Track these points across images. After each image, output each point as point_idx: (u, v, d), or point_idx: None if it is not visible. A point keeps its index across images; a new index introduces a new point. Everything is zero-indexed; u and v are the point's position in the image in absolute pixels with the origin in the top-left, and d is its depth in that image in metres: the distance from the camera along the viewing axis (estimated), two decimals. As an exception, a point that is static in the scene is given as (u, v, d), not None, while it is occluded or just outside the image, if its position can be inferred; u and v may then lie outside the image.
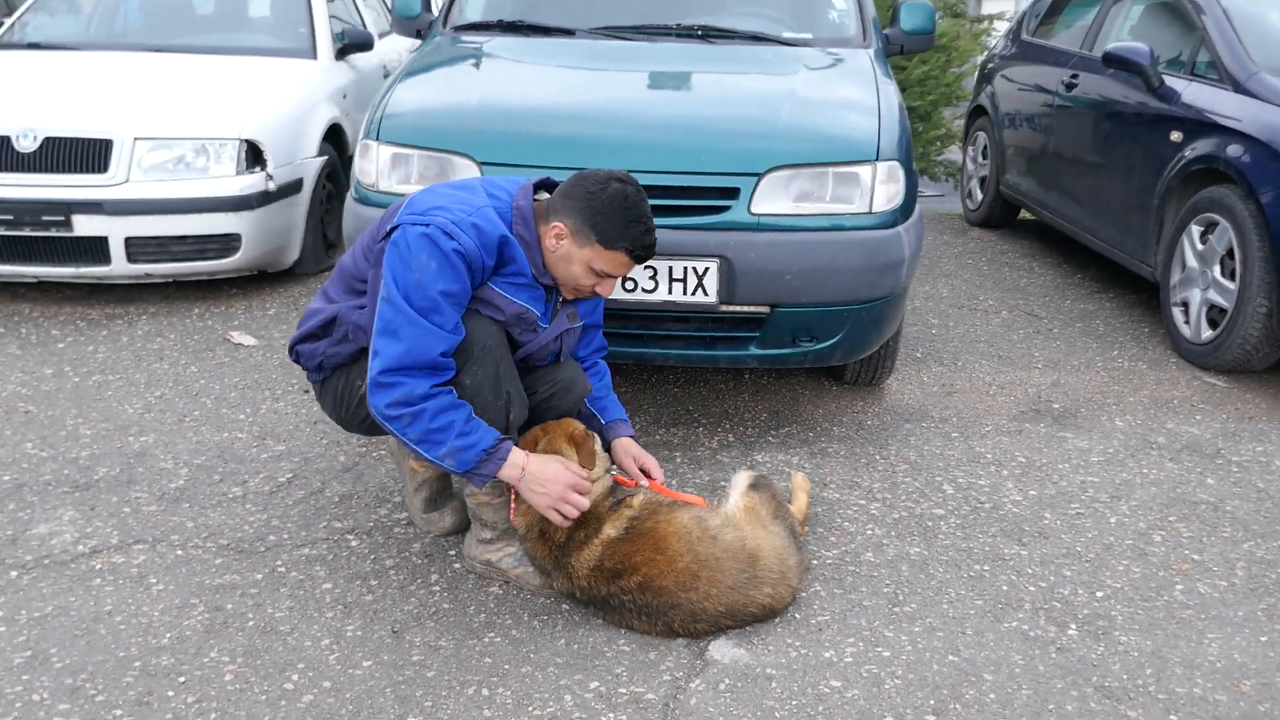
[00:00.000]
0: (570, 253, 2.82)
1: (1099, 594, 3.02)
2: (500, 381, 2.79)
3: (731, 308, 3.63)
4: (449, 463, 2.66)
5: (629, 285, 3.59)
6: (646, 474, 3.09)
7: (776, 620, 2.86)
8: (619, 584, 2.76)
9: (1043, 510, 3.50)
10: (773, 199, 3.61)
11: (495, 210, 2.80)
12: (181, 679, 2.57)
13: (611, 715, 2.49)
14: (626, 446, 3.13)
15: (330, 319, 2.89)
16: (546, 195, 2.95)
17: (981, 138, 7.84)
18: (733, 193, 3.59)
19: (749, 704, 2.55)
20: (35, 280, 5.29)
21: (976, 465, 3.81)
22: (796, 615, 2.89)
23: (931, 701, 2.57)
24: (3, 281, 5.38)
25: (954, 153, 9.40)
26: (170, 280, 5.39)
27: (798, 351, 3.73)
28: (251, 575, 3.00)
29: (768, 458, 3.82)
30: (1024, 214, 7.59)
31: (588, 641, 2.76)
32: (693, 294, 3.60)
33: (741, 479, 3.15)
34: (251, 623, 2.79)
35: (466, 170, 3.66)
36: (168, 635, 2.73)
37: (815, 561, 3.14)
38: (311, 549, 3.13)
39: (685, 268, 3.56)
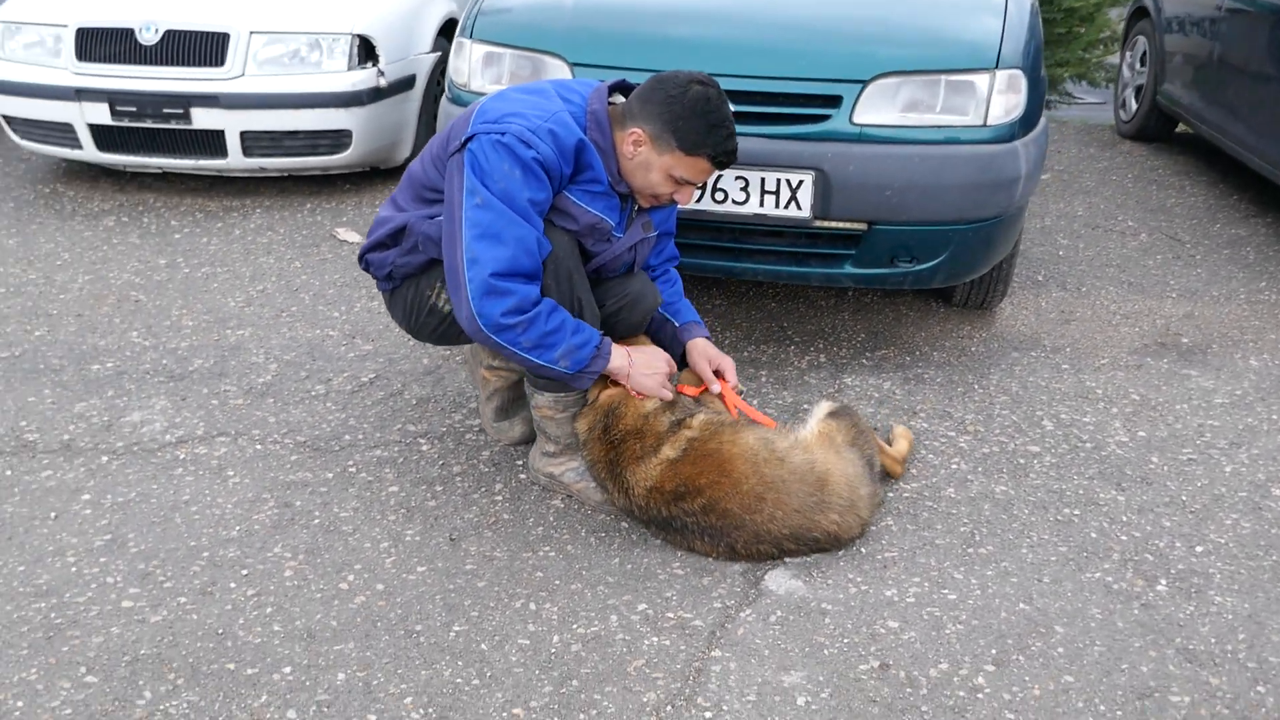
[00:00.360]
0: (649, 160, 2.71)
1: (1198, 549, 2.80)
2: (574, 289, 2.73)
3: (826, 224, 3.45)
4: (563, 364, 2.63)
5: (719, 196, 3.44)
6: (720, 375, 3.02)
7: (840, 553, 2.75)
8: (681, 506, 2.70)
9: (1150, 454, 3.25)
10: (877, 108, 3.38)
11: (570, 115, 2.70)
12: (245, 572, 2.65)
13: (655, 639, 2.45)
14: (702, 348, 3.04)
15: (400, 228, 2.85)
16: (621, 99, 2.82)
17: (1141, 42, 7.22)
18: (834, 101, 3.37)
19: (797, 638, 2.47)
20: (159, 171, 5.46)
21: (1084, 401, 3.56)
22: (862, 549, 2.78)
23: (993, 651, 2.43)
24: (132, 171, 5.57)
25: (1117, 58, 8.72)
26: (284, 175, 5.48)
27: (896, 272, 3.53)
28: (323, 474, 3.05)
29: (857, 381, 3.66)
30: (1181, 128, 6.99)
31: (641, 562, 2.72)
32: (785, 208, 3.43)
33: (822, 407, 3.02)
34: (317, 521, 2.85)
35: (558, 71, 3.54)
36: (237, 528, 2.81)
37: (891, 494, 3.00)
38: (384, 450, 3.17)
39: (778, 180, 3.38)
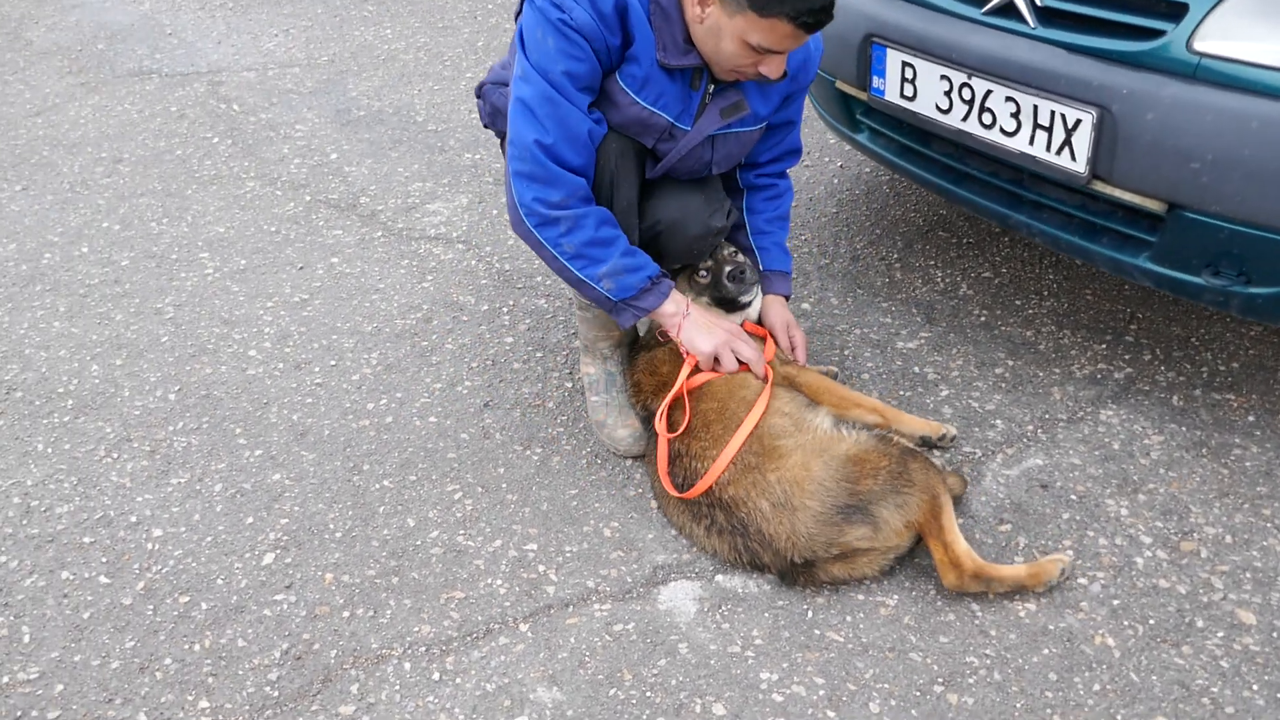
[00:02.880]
0: (719, 24, 2.15)
1: None
2: (614, 201, 2.35)
3: (1105, 189, 2.42)
4: (605, 285, 2.29)
5: (985, 119, 2.60)
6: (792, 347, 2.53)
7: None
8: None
9: None
10: (1241, 33, 2.20)
11: None
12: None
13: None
14: (777, 309, 2.51)
15: (488, 81, 2.62)
16: None
17: None
18: (1177, 11, 2.27)
19: (739, 625, 2.02)
20: None
21: None
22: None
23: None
24: None
25: None
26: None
27: (1212, 286, 2.37)
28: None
29: (1117, 416, 2.61)
30: None
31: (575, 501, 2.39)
32: (1055, 153, 2.47)
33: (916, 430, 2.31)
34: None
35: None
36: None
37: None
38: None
39: (1052, 113, 2.43)
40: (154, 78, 5.01)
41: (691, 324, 2.37)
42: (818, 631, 2.10)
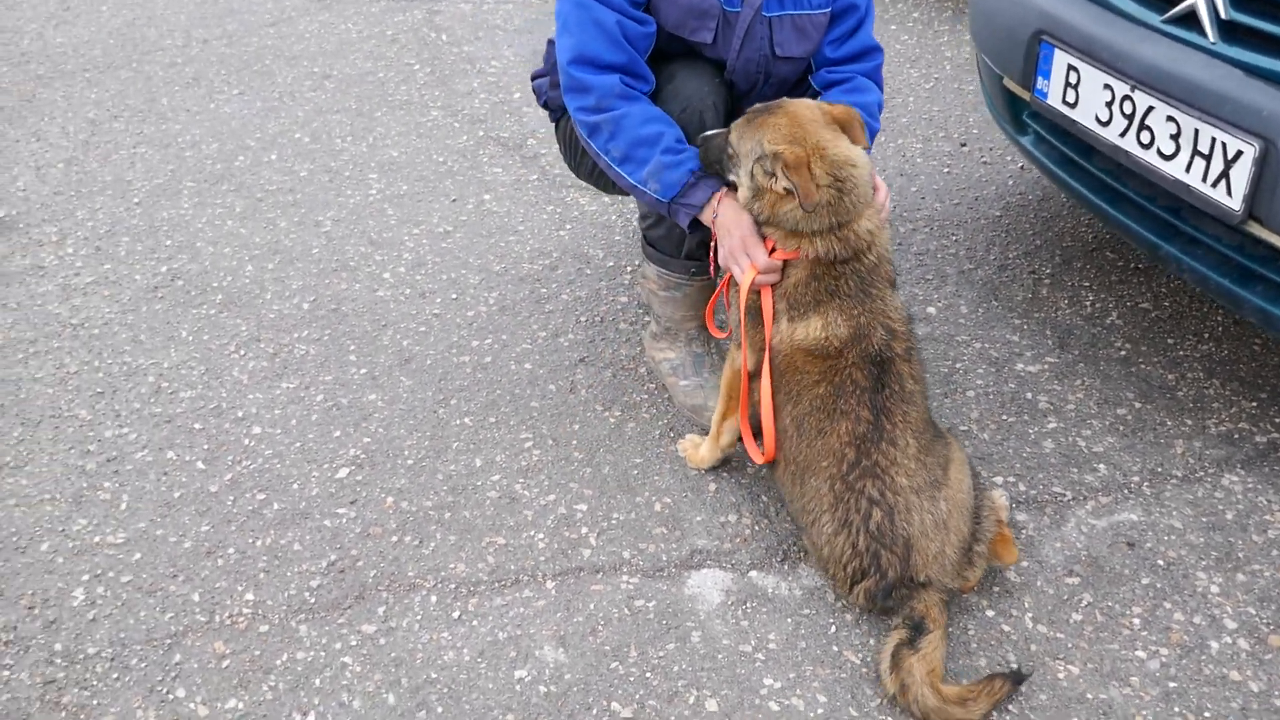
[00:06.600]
0: None
1: None
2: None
3: (1260, 231, 2.16)
4: (652, 186, 2.23)
5: (1144, 137, 2.37)
6: None
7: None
8: None
9: None
10: None
11: None
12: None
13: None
14: None
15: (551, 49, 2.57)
16: None
17: None
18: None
19: (758, 625, 2.02)
20: None
21: None
22: (848, 632, 2.03)
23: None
24: None
25: None
26: None
27: (1371, 357, 2.10)
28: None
29: (1243, 484, 2.35)
30: None
31: (633, 472, 2.38)
32: (1211, 184, 2.23)
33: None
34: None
35: None
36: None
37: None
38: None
39: (1213, 139, 2.19)
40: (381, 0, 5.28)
41: (718, 228, 2.19)
42: (835, 648, 2.02)
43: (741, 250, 2.14)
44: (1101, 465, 2.42)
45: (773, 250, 2.13)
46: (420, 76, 4.46)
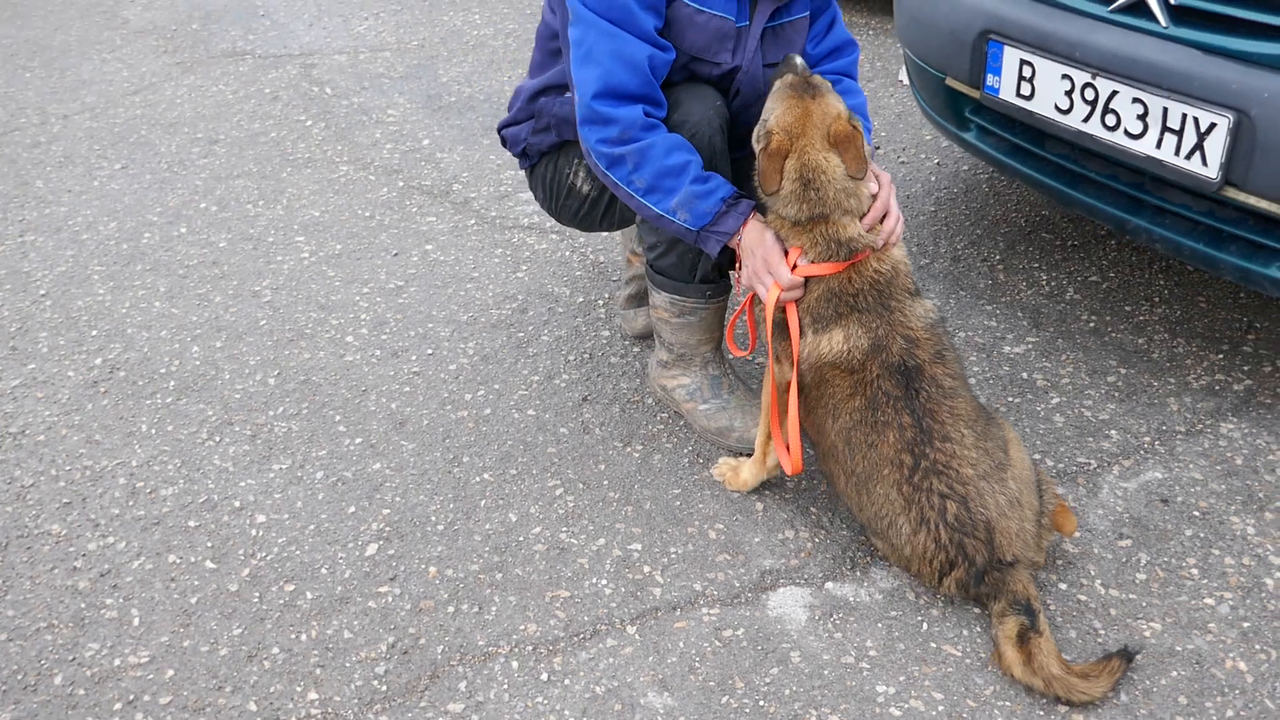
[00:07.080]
0: None
1: None
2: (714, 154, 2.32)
3: (1238, 195, 2.33)
4: (681, 216, 2.22)
5: (1109, 120, 2.51)
6: None
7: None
8: None
9: None
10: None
11: None
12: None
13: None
14: None
15: (531, 95, 2.55)
16: None
17: None
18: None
19: (852, 635, 1.99)
20: None
21: None
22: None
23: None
24: None
25: None
26: None
27: (1351, 300, 2.29)
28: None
29: (1239, 430, 2.52)
30: None
31: (679, 505, 2.36)
32: (1186, 157, 2.38)
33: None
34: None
35: None
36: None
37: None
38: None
39: (1183, 116, 2.35)
40: (248, 59, 5.05)
41: (743, 247, 2.23)
42: (934, 644, 2.05)
43: (765, 269, 2.16)
44: (1113, 431, 2.54)
45: (794, 267, 2.16)
46: (316, 132, 4.29)
